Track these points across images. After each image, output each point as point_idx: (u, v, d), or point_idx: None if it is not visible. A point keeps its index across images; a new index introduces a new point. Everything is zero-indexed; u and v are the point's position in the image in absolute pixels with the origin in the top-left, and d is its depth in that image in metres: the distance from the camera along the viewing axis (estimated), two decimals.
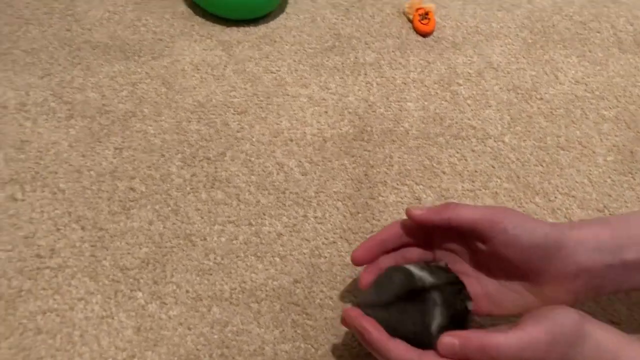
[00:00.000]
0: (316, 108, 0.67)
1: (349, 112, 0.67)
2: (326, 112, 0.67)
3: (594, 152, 0.66)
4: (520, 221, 0.44)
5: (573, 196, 0.62)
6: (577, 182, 0.63)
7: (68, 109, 0.63)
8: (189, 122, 0.64)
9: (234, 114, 0.65)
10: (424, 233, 0.48)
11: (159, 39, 0.71)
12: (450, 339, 0.41)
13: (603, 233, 0.44)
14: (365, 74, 0.72)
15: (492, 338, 0.39)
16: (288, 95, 0.68)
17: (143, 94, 0.65)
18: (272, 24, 0.76)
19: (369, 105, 0.68)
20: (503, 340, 0.39)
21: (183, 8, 0.75)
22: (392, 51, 0.74)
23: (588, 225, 0.45)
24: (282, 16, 0.77)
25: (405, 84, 0.71)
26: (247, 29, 0.75)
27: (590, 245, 0.44)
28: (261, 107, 0.66)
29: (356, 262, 0.47)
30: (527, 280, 0.45)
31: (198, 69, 0.69)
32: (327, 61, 0.73)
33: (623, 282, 0.45)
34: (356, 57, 0.73)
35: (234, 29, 0.74)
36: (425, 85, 0.70)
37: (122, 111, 0.64)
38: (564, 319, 0.41)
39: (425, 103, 0.68)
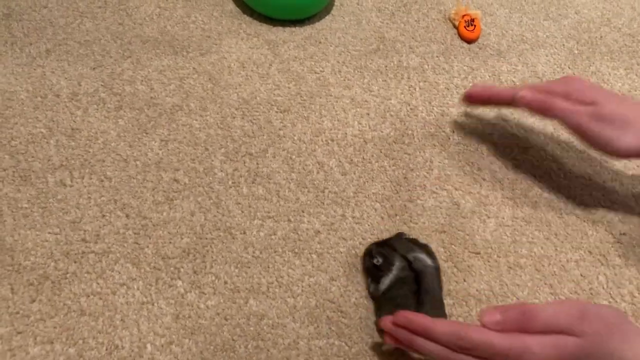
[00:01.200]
0: (358, 109, 0.68)
1: (391, 115, 0.68)
2: (368, 114, 0.67)
3: (638, 166, 0.65)
4: None
5: (615, 209, 0.61)
6: (619, 195, 0.62)
7: (117, 100, 0.65)
8: (233, 118, 0.65)
9: (277, 112, 0.66)
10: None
11: (207, 36, 0.73)
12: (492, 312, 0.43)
13: None
14: (409, 78, 0.72)
15: (530, 305, 0.43)
16: (331, 95, 0.69)
17: (190, 88, 0.67)
18: (318, 25, 0.77)
19: (411, 109, 0.68)
20: (540, 306, 0.42)
21: (231, 6, 0.77)
22: (436, 56, 0.74)
23: None
24: (328, 18, 0.78)
25: (448, 89, 0.71)
26: (293, 29, 0.76)
27: None
28: (304, 107, 0.67)
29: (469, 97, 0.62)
30: None
31: (244, 67, 0.70)
32: (370, 64, 0.73)
33: None
34: (400, 61, 0.74)
35: (280, 28, 0.75)
36: None
37: (169, 104, 0.65)
38: (603, 307, 0.44)
39: (468, 109, 0.68)
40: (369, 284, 0.53)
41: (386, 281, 0.51)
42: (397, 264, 0.51)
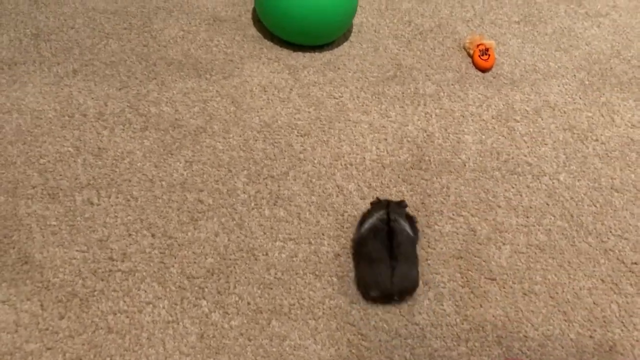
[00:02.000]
0: (376, 135, 0.69)
1: (408, 141, 0.69)
2: (386, 139, 0.69)
3: None
4: None
5: (626, 238, 0.63)
6: (630, 224, 0.64)
7: (143, 120, 0.66)
8: (255, 140, 0.67)
9: (297, 135, 0.68)
10: None
11: (229, 60, 0.75)
12: None
13: None
14: (425, 105, 0.74)
15: None
16: (349, 120, 0.71)
17: (213, 111, 0.69)
18: (337, 51, 0.79)
19: (428, 136, 0.70)
20: None
21: (253, 31, 0.79)
22: (452, 84, 0.76)
23: None
24: (346, 44, 0.80)
25: (463, 117, 0.72)
26: (312, 54, 0.78)
27: None
28: (323, 131, 0.69)
29: None
30: None
31: (265, 91, 0.72)
32: (388, 90, 0.75)
33: None
34: (416, 88, 0.76)
35: (300, 54, 0.77)
36: (483, 120, 0.72)
37: (194, 126, 0.67)
38: None
39: (483, 137, 0.70)
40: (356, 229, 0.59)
41: (366, 225, 0.56)
42: (378, 214, 0.56)
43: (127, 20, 0.78)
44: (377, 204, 0.58)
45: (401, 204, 0.59)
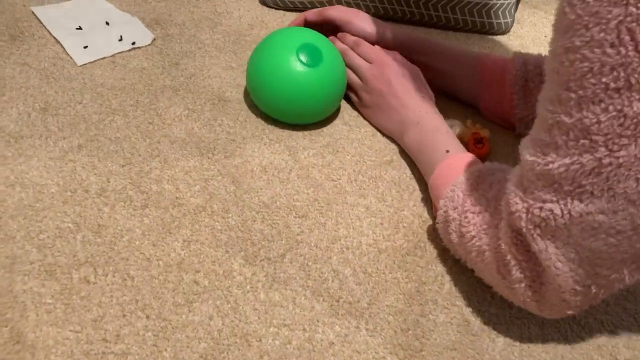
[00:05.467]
0: (373, 219, 0.71)
1: (404, 226, 0.71)
2: (382, 223, 0.70)
3: None
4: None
5: (619, 335, 0.63)
6: (623, 320, 0.64)
7: (144, 198, 0.67)
8: (254, 221, 0.68)
9: (295, 217, 0.69)
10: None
11: (231, 139, 0.77)
12: None
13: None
14: (421, 191, 0.75)
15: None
16: (347, 203, 0.72)
17: (214, 190, 0.70)
18: (336, 134, 0.81)
19: (423, 222, 0.71)
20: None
21: (256, 112, 0.81)
22: None
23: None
24: (345, 128, 0.83)
25: None
26: (312, 137, 0.80)
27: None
28: (321, 213, 0.70)
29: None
30: None
31: (266, 171, 0.74)
32: (385, 174, 0.77)
33: None
34: (412, 173, 0.78)
35: (300, 135, 0.80)
36: None
37: (194, 205, 0.68)
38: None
39: None
40: None
41: None
42: None
43: (134, 97, 0.80)
44: None
45: None
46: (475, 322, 0.62)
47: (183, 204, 0.68)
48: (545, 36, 1.13)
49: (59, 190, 0.67)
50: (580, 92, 0.45)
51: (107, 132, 0.74)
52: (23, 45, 0.84)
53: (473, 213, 0.60)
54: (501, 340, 0.61)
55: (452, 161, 0.68)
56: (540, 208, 0.51)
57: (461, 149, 0.72)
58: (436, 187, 0.68)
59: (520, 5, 1.19)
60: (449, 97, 0.88)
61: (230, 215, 0.68)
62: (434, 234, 0.70)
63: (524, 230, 0.53)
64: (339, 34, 0.86)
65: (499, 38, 1.10)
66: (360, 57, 0.82)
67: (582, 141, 0.47)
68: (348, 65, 0.83)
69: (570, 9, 0.44)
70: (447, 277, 0.66)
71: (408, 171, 0.78)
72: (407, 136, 0.77)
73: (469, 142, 0.81)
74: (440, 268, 0.67)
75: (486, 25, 1.06)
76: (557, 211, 0.50)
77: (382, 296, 0.63)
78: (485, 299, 0.65)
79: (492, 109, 0.86)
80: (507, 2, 1.04)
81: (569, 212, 0.49)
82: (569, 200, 0.49)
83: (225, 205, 0.69)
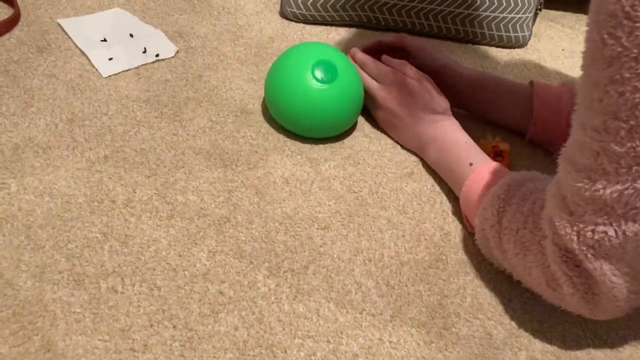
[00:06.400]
0: (394, 231, 0.71)
1: (425, 239, 0.71)
2: (404, 236, 0.71)
3: None
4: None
5: None
6: None
7: (170, 209, 0.68)
8: (277, 232, 0.68)
9: (317, 228, 0.70)
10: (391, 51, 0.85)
11: (254, 151, 0.78)
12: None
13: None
14: (441, 203, 0.76)
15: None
16: (368, 215, 0.73)
17: (237, 201, 0.71)
18: (357, 146, 0.82)
19: (445, 234, 0.72)
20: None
21: (278, 124, 0.82)
22: None
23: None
24: (365, 140, 0.84)
25: None
26: (333, 148, 0.81)
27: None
28: (343, 225, 0.71)
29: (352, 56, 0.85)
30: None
31: (288, 183, 0.75)
32: (406, 186, 0.77)
33: None
34: (433, 186, 0.78)
35: (322, 147, 0.81)
36: None
37: (218, 216, 0.69)
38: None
39: None
40: None
41: None
42: None
43: (159, 109, 0.81)
44: None
45: None
46: (498, 335, 0.63)
47: (208, 214, 0.69)
48: (563, 49, 1.14)
49: (86, 201, 0.68)
50: (632, 122, 0.45)
51: (132, 144, 0.76)
52: (50, 57, 0.86)
53: (511, 230, 0.61)
54: (523, 354, 0.61)
55: (478, 174, 0.69)
56: (593, 231, 0.51)
57: (483, 158, 0.72)
58: (467, 204, 0.69)
59: (537, 19, 1.19)
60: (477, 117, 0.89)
61: (254, 226, 0.69)
62: (455, 247, 0.71)
63: (577, 251, 0.52)
64: (351, 50, 0.86)
65: (517, 51, 1.11)
66: (370, 76, 0.82)
67: (635, 168, 0.47)
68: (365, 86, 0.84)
69: (614, 40, 0.44)
70: (469, 290, 0.66)
71: (429, 183, 0.78)
72: (427, 153, 0.78)
73: (489, 155, 0.81)
74: (462, 281, 0.67)
75: (504, 39, 1.07)
76: (611, 233, 0.50)
77: (405, 309, 0.64)
78: (507, 312, 0.65)
79: (543, 134, 0.82)
80: (525, 16, 1.05)
81: (623, 233, 0.49)
82: (622, 222, 0.49)
83: (249, 216, 0.70)
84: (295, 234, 0.69)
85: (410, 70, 0.78)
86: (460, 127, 0.77)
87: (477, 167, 0.70)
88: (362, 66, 0.82)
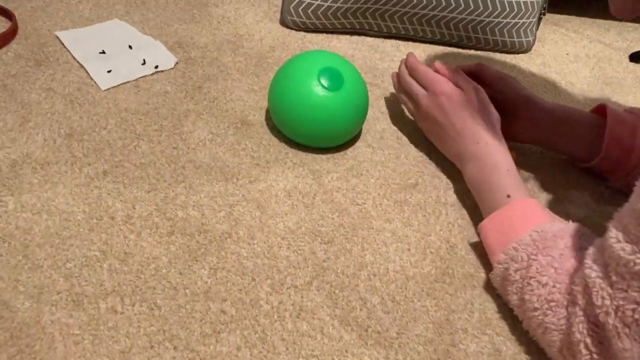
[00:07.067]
0: (399, 244, 0.70)
1: (431, 252, 0.70)
2: (409, 249, 0.69)
3: None
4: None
5: None
6: None
7: (170, 225, 0.67)
8: (279, 247, 0.67)
9: (321, 243, 0.68)
10: None
11: (255, 164, 0.77)
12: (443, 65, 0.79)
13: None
14: (447, 214, 0.74)
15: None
16: (372, 228, 0.71)
17: (239, 216, 0.70)
18: (359, 157, 0.81)
19: (451, 247, 0.70)
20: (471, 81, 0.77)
21: (279, 135, 0.81)
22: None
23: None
24: (368, 150, 0.82)
25: None
26: (336, 160, 0.80)
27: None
28: (347, 238, 0.69)
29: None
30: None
31: (290, 196, 0.73)
32: (410, 198, 0.76)
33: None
34: (438, 197, 0.77)
35: (324, 158, 0.79)
36: None
37: (219, 231, 0.67)
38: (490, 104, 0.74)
39: None
40: None
41: None
42: None
43: (158, 122, 0.80)
44: None
45: None
46: (507, 351, 0.61)
47: (209, 230, 0.68)
48: (567, 54, 1.13)
49: (85, 218, 0.67)
50: None
51: (132, 158, 0.75)
52: (48, 70, 0.85)
53: (538, 283, 0.57)
54: None
55: (514, 210, 0.64)
56: (634, 310, 0.46)
57: (523, 191, 0.66)
58: (493, 235, 0.65)
59: (541, 23, 1.18)
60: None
61: (255, 241, 0.68)
62: (462, 260, 0.69)
63: (610, 327, 0.48)
64: (404, 59, 0.82)
65: (521, 56, 1.09)
66: (417, 83, 0.78)
67: None
68: (405, 91, 0.81)
69: None
70: (477, 305, 0.65)
71: (433, 194, 0.77)
72: (466, 170, 0.73)
73: None
74: (469, 295, 0.66)
75: (508, 44, 1.05)
76: None
77: (412, 325, 0.62)
78: (516, 327, 0.63)
79: (606, 168, 0.78)
80: (529, 21, 1.03)
81: None
82: None
83: (250, 231, 0.68)
84: (297, 248, 0.68)
85: (463, 80, 0.74)
86: (506, 150, 0.70)
87: (515, 200, 0.65)
88: (412, 72, 0.79)
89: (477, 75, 0.80)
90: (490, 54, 1.08)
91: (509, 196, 0.66)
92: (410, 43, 1.08)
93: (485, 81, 0.79)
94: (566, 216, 0.66)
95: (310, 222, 0.71)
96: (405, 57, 0.83)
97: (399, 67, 0.84)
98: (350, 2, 0.99)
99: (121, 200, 0.69)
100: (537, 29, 1.09)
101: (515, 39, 1.05)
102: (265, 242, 0.68)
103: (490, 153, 0.70)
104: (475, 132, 0.71)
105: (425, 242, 0.71)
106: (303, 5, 1.00)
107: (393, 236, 0.71)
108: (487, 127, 0.71)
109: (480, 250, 0.70)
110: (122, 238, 0.65)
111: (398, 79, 0.83)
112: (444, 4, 0.98)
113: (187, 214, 0.69)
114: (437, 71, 0.77)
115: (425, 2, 0.98)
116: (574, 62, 1.11)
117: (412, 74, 0.79)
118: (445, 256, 0.70)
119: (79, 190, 0.69)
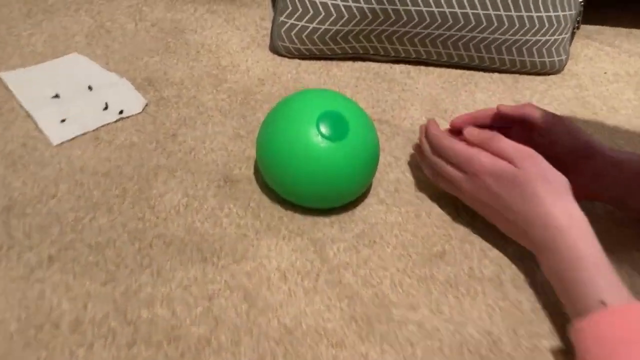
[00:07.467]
0: (429, 342, 0.54)
1: (469, 350, 0.54)
2: (440, 348, 0.54)
3: None
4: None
5: None
6: None
7: (131, 331, 0.52)
8: (274, 356, 0.52)
9: (327, 346, 0.53)
10: (505, 123, 0.66)
11: (242, 234, 0.61)
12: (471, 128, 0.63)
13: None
14: (484, 294, 0.59)
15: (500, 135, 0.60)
16: (393, 320, 0.56)
17: (221, 312, 0.54)
18: (371, 217, 0.66)
19: (494, 342, 0.55)
20: (506, 138, 0.59)
21: (270, 194, 0.66)
22: (515, 261, 0.61)
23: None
24: (382, 209, 0.67)
25: (533, 311, 0.58)
26: (342, 223, 0.64)
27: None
28: (361, 337, 0.54)
29: (452, 126, 0.68)
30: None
31: (286, 278, 0.58)
32: (437, 272, 0.61)
33: None
34: (471, 269, 0.61)
35: (327, 222, 0.64)
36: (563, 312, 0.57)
37: (195, 337, 0.52)
38: (553, 170, 0.57)
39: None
40: None
41: None
42: None
43: (121, 184, 0.65)
44: None
45: None
46: None
47: (181, 336, 0.52)
48: (605, 72, 0.97)
49: (20, 328, 0.51)
50: None
51: (85, 236, 0.59)
52: None
53: None
54: None
55: (611, 321, 0.48)
56: None
57: (619, 292, 0.50)
58: (591, 345, 0.48)
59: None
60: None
61: (241, 348, 0.52)
62: None
63: None
64: (422, 125, 0.67)
65: (552, 78, 0.94)
66: (447, 162, 0.63)
67: None
68: (436, 172, 0.65)
69: None
70: None
71: (465, 266, 0.62)
72: (541, 259, 0.57)
73: None
74: None
75: (537, 65, 0.90)
76: None
77: None
78: None
79: None
80: (561, 37, 0.88)
81: None
82: None
83: (235, 334, 0.53)
84: (297, 356, 0.52)
85: (505, 145, 0.58)
86: (588, 230, 0.53)
87: (613, 305, 0.49)
88: (437, 150, 0.63)
89: (522, 119, 0.65)
90: (516, 77, 0.93)
91: (603, 303, 0.49)
92: (422, 67, 0.92)
93: (534, 127, 0.64)
94: None
95: (313, 315, 0.56)
96: (424, 124, 0.67)
97: (419, 138, 0.67)
98: (352, 24, 0.83)
99: (69, 298, 0.54)
100: (569, 46, 0.93)
101: (546, 59, 0.89)
102: (254, 350, 0.52)
103: (567, 242, 0.53)
104: (540, 213, 0.55)
105: (461, 336, 0.55)
106: (296, 29, 0.85)
107: (420, 330, 0.55)
108: (554, 203, 0.54)
109: (534, 343, 0.55)
110: (67, 355, 0.50)
111: (422, 154, 0.67)
112: (462, 21, 0.83)
113: (154, 313, 0.54)
114: (466, 141, 0.62)
115: (440, 21, 0.83)
116: (613, 82, 0.95)
117: (438, 152, 0.63)
118: (489, 356, 0.54)
119: (16, 287, 0.54)
